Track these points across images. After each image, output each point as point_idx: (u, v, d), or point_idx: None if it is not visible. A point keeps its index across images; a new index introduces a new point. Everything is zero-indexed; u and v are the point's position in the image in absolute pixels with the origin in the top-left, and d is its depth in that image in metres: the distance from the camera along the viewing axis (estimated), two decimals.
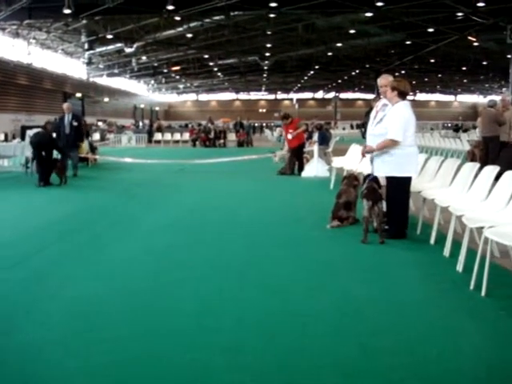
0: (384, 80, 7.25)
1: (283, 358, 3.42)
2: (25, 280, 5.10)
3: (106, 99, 60.42)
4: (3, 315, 4.17)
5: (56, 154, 13.68)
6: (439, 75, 61.11)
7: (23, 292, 4.73)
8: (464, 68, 52.32)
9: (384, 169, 6.78)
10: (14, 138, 30.61)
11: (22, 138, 17.52)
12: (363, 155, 7.41)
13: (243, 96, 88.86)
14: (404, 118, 6.60)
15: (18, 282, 5.03)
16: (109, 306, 4.39)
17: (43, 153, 12.71)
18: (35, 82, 42.90)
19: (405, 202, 6.74)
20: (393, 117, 6.67)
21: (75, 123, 14.81)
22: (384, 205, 6.70)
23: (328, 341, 3.69)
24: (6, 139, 29.69)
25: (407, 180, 6.70)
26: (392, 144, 6.59)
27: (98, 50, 42.93)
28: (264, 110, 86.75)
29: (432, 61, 48.62)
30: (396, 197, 6.66)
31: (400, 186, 6.68)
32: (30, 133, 17.18)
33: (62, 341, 3.71)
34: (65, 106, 15.64)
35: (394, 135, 6.56)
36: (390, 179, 6.74)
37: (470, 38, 35.06)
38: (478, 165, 6.64)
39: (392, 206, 6.66)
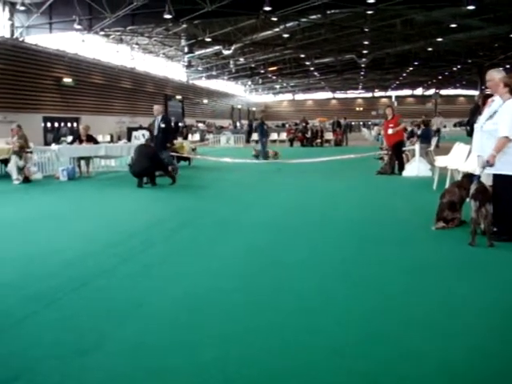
0: (494, 74, 6.97)
1: (389, 362, 3.36)
2: (134, 275, 5.32)
3: (205, 101, 61.99)
4: (117, 307, 4.38)
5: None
6: None
7: (134, 286, 4.94)
8: None
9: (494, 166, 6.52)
10: (119, 139, 32.14)
11: (129, 139, 18.22)
12: (483, 168, 6.54)
13: (340, 95, 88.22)
14: None
15: (128, 277, 5.26)
16: (215, 303, 4.48)
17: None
18: (138, 86, 44.77)
19: None
20: (504, 113, 6.42)
21: (163, 125, 14.70)
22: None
23: (436, 344, 3.59)
24: (111, 140, 31.25)
25: None
26: (506, 141, 6.34)
27: (197, 52, 44.17)
28: (361, 109, 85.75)
29: None
30: (504, 196, 6.37)
31: (509, 185, 6.39)
32: (135, 134, 17.78)
33: (171, 332, 3.85)
34: (155, 108, 15.38)
35: (505, 132, 6.32)
36: (498, 177, 6.47)
37: None
38: None
39: (499, 205, 6.36)
